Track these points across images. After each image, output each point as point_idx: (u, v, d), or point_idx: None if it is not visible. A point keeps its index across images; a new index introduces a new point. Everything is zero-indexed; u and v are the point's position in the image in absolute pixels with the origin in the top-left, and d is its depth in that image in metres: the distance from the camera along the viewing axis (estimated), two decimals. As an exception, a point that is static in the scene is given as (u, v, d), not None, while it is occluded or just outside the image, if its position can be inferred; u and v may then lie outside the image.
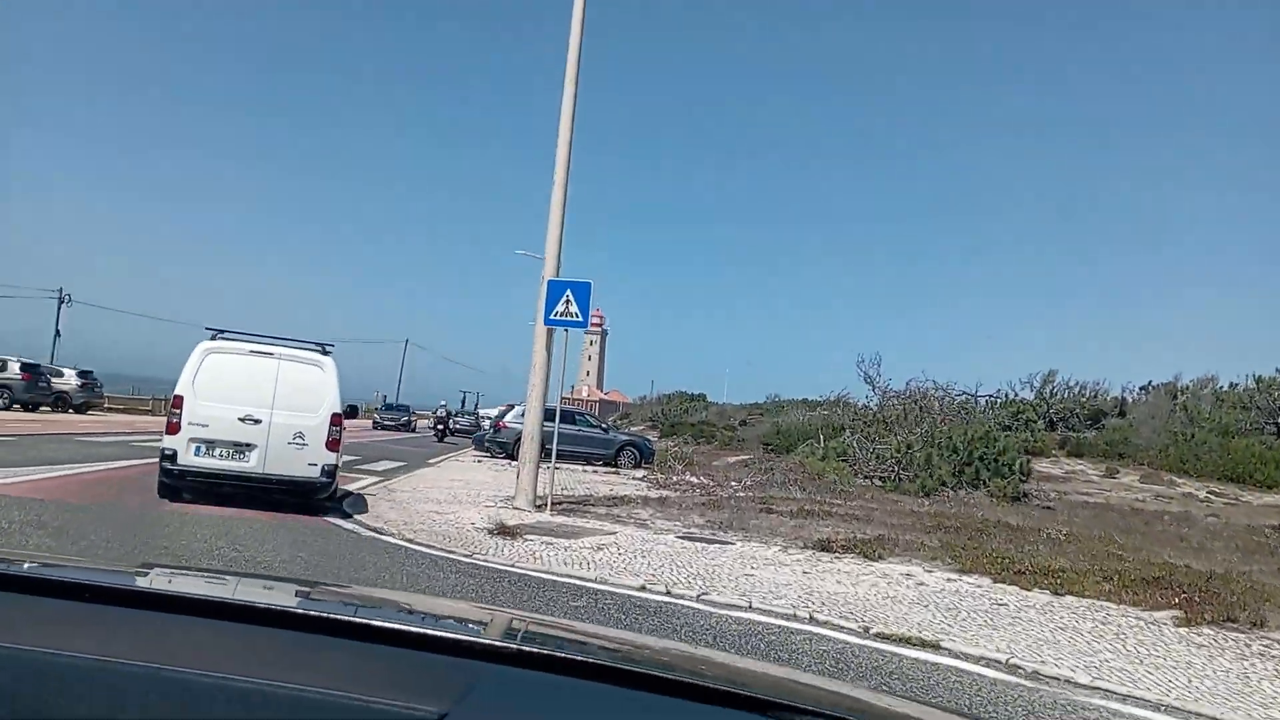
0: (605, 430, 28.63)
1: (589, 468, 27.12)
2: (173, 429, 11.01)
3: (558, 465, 16.45)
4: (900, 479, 23.88)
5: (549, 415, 17.04)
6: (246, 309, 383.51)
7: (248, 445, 11.03)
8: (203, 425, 10.96)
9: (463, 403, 61.92)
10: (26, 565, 1.45)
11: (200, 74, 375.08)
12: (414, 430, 50.95)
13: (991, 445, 23.09)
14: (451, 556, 9.35)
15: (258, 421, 11.05)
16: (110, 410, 37.96)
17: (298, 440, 11.16)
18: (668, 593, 8.14)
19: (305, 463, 11.20)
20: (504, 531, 10.97)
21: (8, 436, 18.58)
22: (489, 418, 75.03)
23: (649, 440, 30.40)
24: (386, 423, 50.16)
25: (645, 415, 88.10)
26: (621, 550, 10.27)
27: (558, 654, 1.28)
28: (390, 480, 17.71)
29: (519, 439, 27.52)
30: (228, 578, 2.03)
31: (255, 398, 11.11)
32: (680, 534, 11.98)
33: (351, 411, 14.23)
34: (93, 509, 10.10)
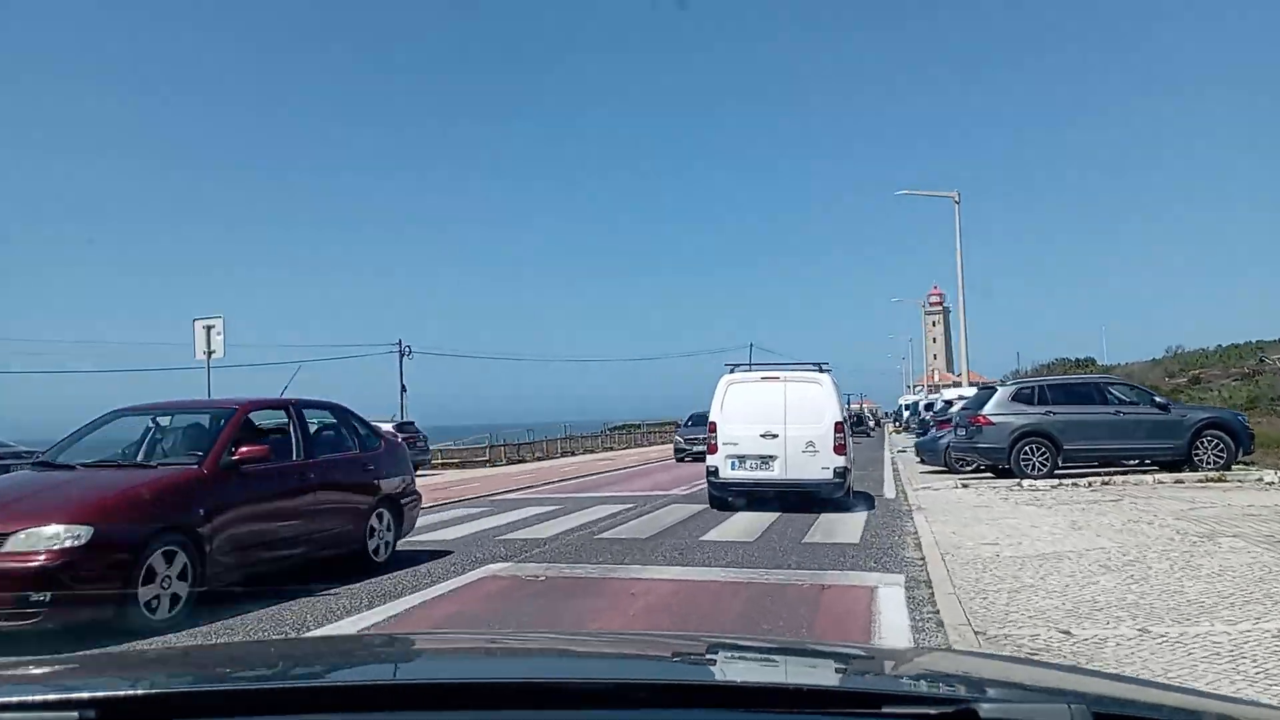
0: (1164, 407, 16.69)
1: (1142, 476, 15.63)
2: (712, 449, 13.03)
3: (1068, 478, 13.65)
4: None
5: (1041, 396, 16.24)
6: (568, 333, 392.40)
7: (770, 457, 12.64)
8: (733, 444, 12.79)
9: (848, 403, 53.09)
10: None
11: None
12: None
13: None
14: None
15: (775, 436, 12.60)
16: (444, 465, 31.85)
17: (810, 448, 12.52)
18: None
19: (819, 467, 12.51)
20: None
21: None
22: (879, 414, 63.50)
23: (1239, 414, 17.79)
24: (695, 448, 24.99)
25: (1028, 390, 72.61)
26: None
27: (713, 684, 1.33)
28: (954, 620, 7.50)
29: (1019, 440, 16.68)
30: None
31: (771, 416, 12.67)
32: None
33: (858, 420, 18.65)
34: None
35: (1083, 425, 16.61)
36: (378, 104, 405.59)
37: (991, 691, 1.21)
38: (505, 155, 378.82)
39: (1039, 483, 15.69)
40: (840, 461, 12.53)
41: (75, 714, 1.03)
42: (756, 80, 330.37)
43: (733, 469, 12.77)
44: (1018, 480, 16.04)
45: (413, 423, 28.17)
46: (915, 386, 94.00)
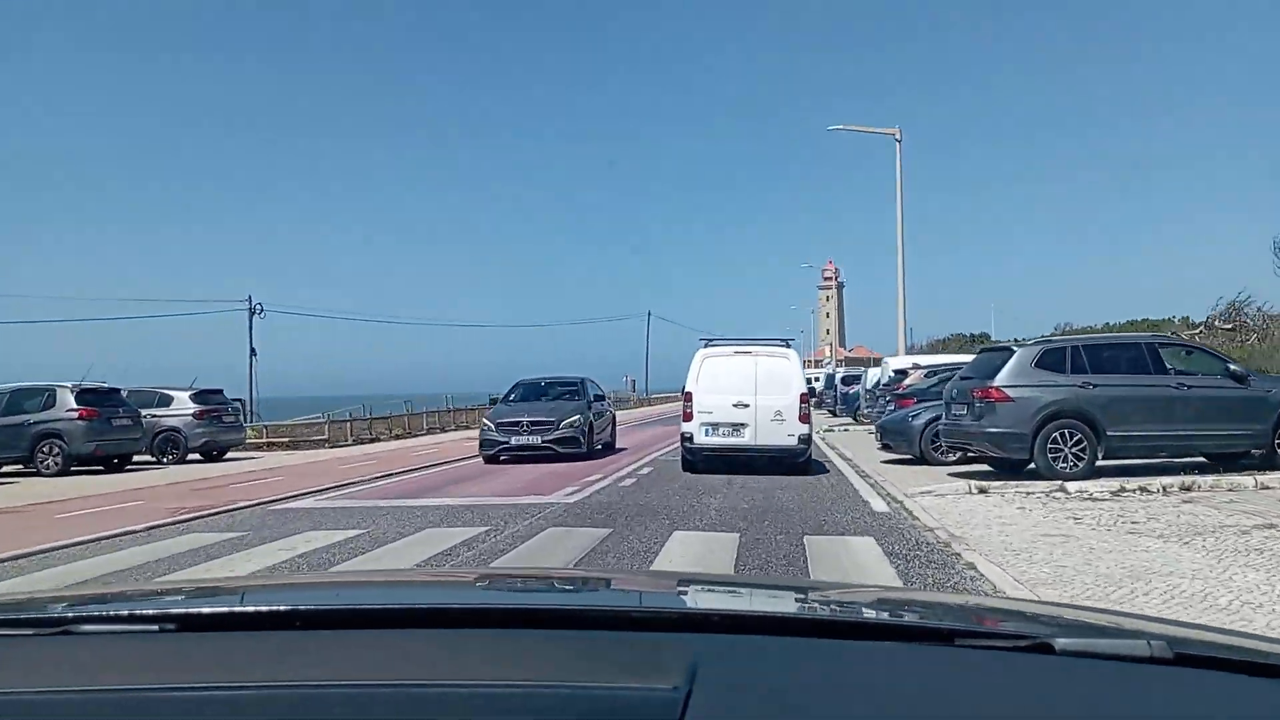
0: (1241, 378, 12.02)
1: (1238, 477, 10.98)
2: (687, 417, 13.83)
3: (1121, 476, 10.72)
4: None
5: (1075, 362, 12.20)
6: (471, 298, 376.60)
7: (741, 424, 13.61)
8: (708, 412, 13.68)
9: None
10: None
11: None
12: (600, 444, 18.68)
13: None
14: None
15: (746, 405, 13.59)
16: (269, 446, 25.43)
17: (778, 417, 13.54)
18: None
19: (785, 434, 13.55)
20: None
21: None
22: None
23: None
24: (513, 438, 16.70)
25: (931, 367, 69.61)
26: None
27: (784, 615, 1.34)
28: None
29: (1047, 423, 11.71)
30: (402, 582, 1.99)
31: (742, 387, 13.64)
32: None
33: (811, 393, 15.09)
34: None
35: (1133, 403, 11.81)
36: (245, 52, 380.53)
37: (1068, 629, 1.20)
38: (398, 115, 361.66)
39: (1088, 486, 10.80)
40: (804, 429, 13.68)
41: (156, 628, 1.12)
42: (649, 49, 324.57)
43: (706, 435, 13.65)
44: (1058, 483, 11.04)
45: (220, 391, 21.55)
46: (820, 360, 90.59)
